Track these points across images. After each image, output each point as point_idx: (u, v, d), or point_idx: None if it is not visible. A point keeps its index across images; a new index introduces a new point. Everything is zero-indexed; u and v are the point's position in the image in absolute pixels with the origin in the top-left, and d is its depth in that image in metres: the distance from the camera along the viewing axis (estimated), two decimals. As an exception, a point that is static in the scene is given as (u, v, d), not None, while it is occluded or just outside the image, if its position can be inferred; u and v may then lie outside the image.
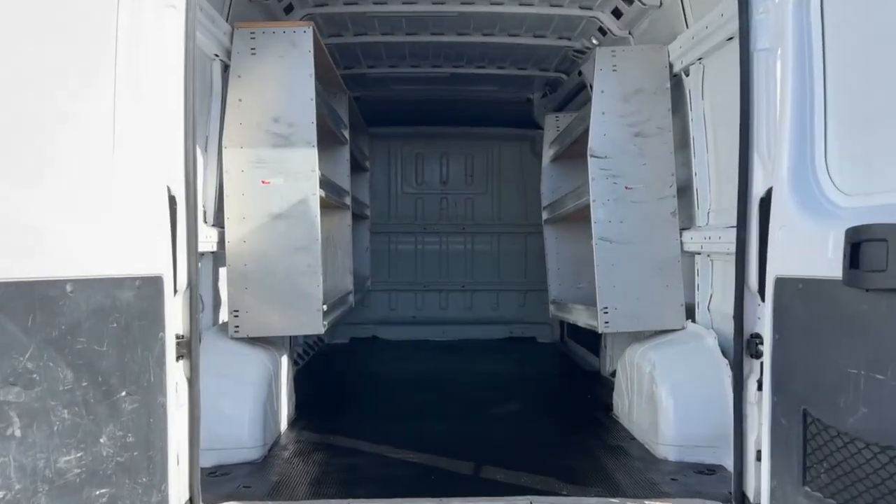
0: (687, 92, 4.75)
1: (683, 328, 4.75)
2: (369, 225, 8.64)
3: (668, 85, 4.86)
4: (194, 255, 3.25)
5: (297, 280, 4.47)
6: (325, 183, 4.95)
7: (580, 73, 6.93)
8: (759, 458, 3.31)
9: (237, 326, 4.43)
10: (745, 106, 3.35)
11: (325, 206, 5.79)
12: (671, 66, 4.86)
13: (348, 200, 6.34)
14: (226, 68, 4.56)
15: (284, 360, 4.83)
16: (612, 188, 4.82)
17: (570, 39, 6.64)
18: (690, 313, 4.78)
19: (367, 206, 8.64)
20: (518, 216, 8.94)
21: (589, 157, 4.83)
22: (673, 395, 4.23)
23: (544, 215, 6.68)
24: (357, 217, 8.47)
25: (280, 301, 4.46)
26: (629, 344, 5.21)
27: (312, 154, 4.46)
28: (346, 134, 6.34)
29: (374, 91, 8.44)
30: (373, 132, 8.66)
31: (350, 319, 8.83)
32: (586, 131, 5.42)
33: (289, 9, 5.59)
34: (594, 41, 6.33)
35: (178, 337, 3.20)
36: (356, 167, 8.39)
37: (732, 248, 4.26)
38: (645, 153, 4.84)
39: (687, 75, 4.74)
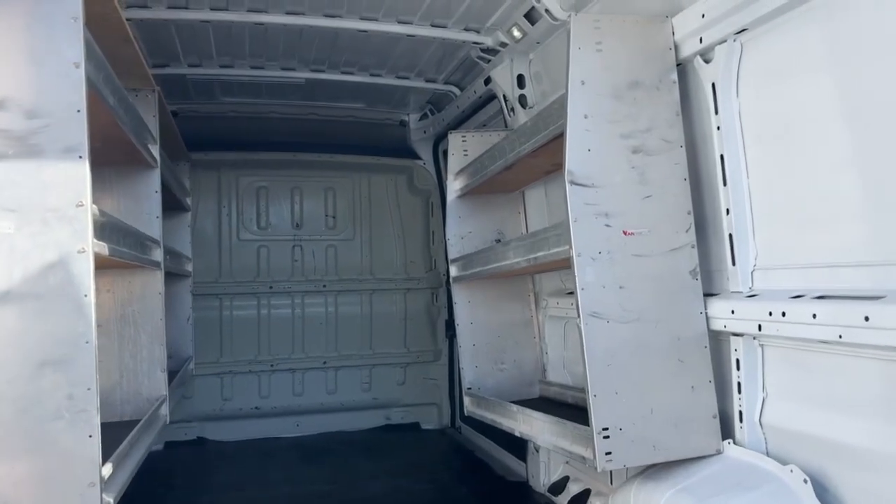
0: (707, 87, 3.09)
1: (719, 453, 3.02)
2: (191, 285, 6.24)
3: (675, 77, 3.20)
4: None
5: (49, 428, 2.18)
6: (111, 229, 2.71)
7: (487, 82, 5.18)
8: None
9: None
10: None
11: (116, 265, 3.53)
12: (676, 48, 3.21)
13: (159, 255, 4.05)
14: None
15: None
16: (603, 234, 3.02)
17: (478, 32, 4.89)
18: (725, 428, 3.08)
19: (187, 259, 6.25)
20: (394, 268, 6.96)
21: (567, 185, 3.01)
22: None
23: (453, 271, 4.79)
24: (173, 276, 6.08)
25: (11, 471, 2.15)
26: (632, 476, 3.41)
27: (79, 172, 2.24)
28: (155, 152, 4.07)
29: (199, 103, 6.18)
30: (196, 158, 6.32)
31: (165, 416, 6.33)
32: (538, 151, 3.67)
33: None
34: (516, 33, 4.62)
35: None
36: (172, 206, 6.03)
37: (805, 331, 2.65)
38: (648, 179, 3.11)
39: (707, 62, 3.09)
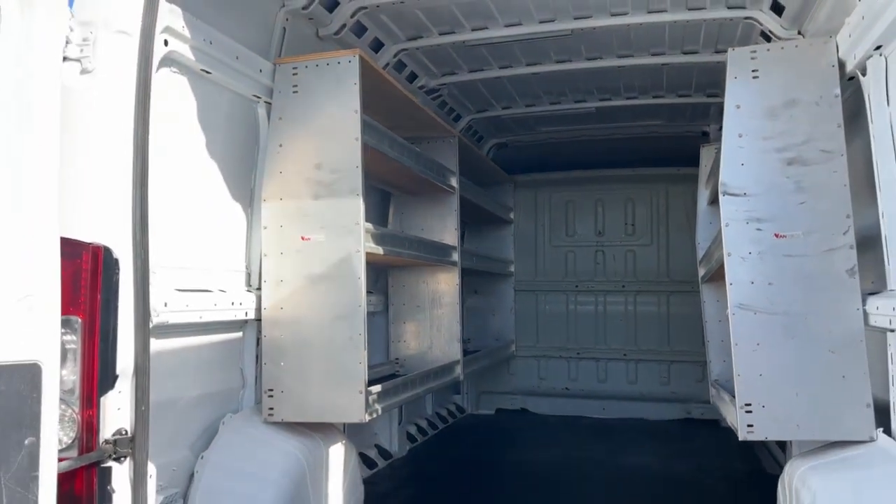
0: (865, 98, 3.31)
1: (872, 440, 3.22)
2: (513, 283, 7.74)
3: (838, 91, 3.46)
4: (143, 331, 2.65)
5: (338, 355, 3.70)
6: (389, 238, 4.20)
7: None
8: None
9: (271, 409, 3.77)
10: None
11: (418, 264, 5.11)
12: (842, 64, 3.46)
13: (455, 257, 5.52)
14: (274, 112, 4.05)
15: (338, 451, 4.05)
16: (754, 237, 3.48)
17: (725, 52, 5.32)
18: (883, 418, 3.24)
19: (510, 262, 7.75)
20: (692, 271, 7.41)
21: (721, 196, 3.55)
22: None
23: (700, 271, 5.31)
24: (498, 276, 7.63)
25: (317, 380, 3.73)
26: (797, 454, 3.73)
27: (356, 204, 3.72)
28: (454, 182, 5.56)
29: (521, 134, 7.65)
30: (519, 180, 7.83)
31: (496, 388, 7.92)
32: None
33: (377, 46, 5.03)
34: (758, 50, 4.95)
35: (119, 433, 2.67)
36: (497, 221, 7.60)
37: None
38: (804, 187, 3.45)
39: (864, 74, 3.31)
